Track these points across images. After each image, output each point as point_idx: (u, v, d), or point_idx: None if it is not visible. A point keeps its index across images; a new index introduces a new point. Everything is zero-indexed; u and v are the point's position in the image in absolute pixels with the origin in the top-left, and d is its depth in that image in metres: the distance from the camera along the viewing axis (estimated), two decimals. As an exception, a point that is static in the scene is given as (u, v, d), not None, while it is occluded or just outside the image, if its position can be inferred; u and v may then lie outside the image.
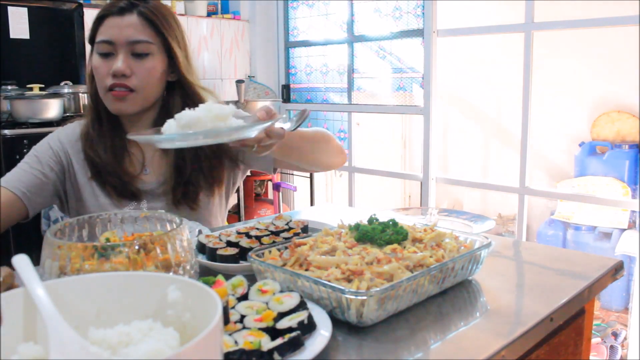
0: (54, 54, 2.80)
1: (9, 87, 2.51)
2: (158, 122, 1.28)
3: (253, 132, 0.90)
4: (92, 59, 1.26)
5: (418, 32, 2.92)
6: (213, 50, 3.44)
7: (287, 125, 0.96)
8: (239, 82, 3.09)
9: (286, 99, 3.65)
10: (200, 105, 0.88)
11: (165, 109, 1.30)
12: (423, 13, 2.87)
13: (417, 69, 2.97)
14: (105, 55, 1.22)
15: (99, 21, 1.24)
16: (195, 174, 1.28)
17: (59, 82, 2.69)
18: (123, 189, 1.26)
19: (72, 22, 2.83)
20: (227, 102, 3.07)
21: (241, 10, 3.60)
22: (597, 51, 3.26)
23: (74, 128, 1.33)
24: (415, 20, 2.94)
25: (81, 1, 2.84)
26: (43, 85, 2.55)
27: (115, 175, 1.26)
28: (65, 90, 2.62)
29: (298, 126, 0.98)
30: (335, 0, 3.34)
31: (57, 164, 1.28)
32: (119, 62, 1.20)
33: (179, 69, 1.27)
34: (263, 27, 3.62)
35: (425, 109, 2.90)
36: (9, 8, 2.62)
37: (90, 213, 1.16)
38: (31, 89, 2.47)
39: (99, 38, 1.23)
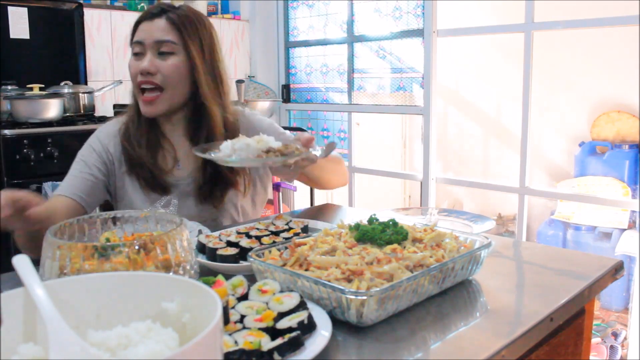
0: (54, 54, 2.79)
1: (9, 87, 2.50)
2: (192, 120, 1.39)
3: (294, 159, 1.09)
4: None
5: (418, 32, 2.91)
6: (213, 50, 3.43)
7: (318, 152, 1.14)
8: (239, 82, 3.08)
9: (286, 99, 3.65)
10: (253, 137, 1.07)
11: (198, 108, 1.37)
12: (423, 13, 2.87)
13: (417, 69, 2.97)
14: (137, 55, 1.35)
15: (135, 26, 1.38)
16: (222, 175, 1.37)
17: (59, 82, 2.68)
18: (153, 182, 1.36)
19: (72, 22, 2.82)
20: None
21: (241, 10, 3.60)
22: (597, 51, 3.26)
23: (113, 125, 1.43)
24: (415, 20, 2.94)
25: (81, 1, 2.83)
26: (43, 85, 2.54)
27: (147, 169, 1.36)
28: (65, 90, 2.62)
29: (326, 155, 1.15)
30: (335, 0, 3.34)
31: (102, 164, 1.38)
32: (145, 61, 1.32)
33: (195, 72, 1.34)
34: (263, 27, 3.62)
35: (425, 109, 2.90)
36: (9, 8, 2.61)
37: (125, 205, 1.38)
38: (31, 89, 2.46)
39: (133, 40, 1.37)
